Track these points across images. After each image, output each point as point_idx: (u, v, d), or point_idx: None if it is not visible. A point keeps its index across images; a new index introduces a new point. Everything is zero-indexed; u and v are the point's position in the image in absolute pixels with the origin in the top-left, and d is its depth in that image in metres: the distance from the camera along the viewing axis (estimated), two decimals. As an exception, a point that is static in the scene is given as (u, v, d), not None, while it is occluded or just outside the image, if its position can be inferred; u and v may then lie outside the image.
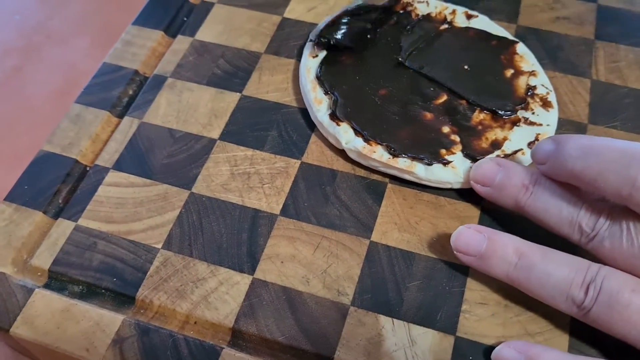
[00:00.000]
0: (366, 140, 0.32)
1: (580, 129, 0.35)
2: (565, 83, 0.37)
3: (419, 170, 0.32)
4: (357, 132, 0.33)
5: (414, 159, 0.32)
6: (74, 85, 0.41)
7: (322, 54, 0.37)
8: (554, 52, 0.38)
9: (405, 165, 0.32)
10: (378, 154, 0.32)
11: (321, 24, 0.37)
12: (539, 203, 0.28)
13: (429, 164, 0.32)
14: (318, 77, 0.35)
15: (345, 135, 0.33)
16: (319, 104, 0.34)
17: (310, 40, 0.37)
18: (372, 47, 0.37)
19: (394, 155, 0.32)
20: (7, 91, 0.43)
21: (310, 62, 0.36)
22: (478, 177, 0.30)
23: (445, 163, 0.32)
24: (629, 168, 0.25)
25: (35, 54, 0.45)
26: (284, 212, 0.32)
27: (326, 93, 0.35)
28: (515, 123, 0.33)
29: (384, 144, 0.32)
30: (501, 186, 0.30)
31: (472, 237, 0.28)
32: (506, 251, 0.27)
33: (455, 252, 0.29)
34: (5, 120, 0.41)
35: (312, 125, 0.35)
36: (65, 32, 0.46)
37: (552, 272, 0.26)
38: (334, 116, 0.34)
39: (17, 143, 0.40)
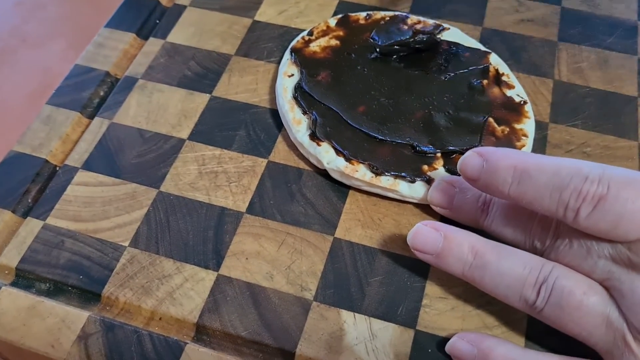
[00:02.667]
0: (348, 160, 0.33)
1: (542, 127, 0.35)
2: (529, 83, 0.38)
3: (402, 188, 0.32)
4: (338, 152, 0.33)
5: (396, 177, 0.32)
6: (49, 87, 0.42)
7: (297, 73, 0.37)
8: (518, 53, 0.39)
9: (388, 184, 0.32)
10: (360, 173, 0.32)
11: (295, 40, 0.38)
12: (494, 226, 0.29)
13: (412, 182, 0.32)
14: (295, 97, 0.35)
15: (327, 155, 0.33)
16: (298, 125, 0.34)
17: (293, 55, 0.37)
18: (347, 64, 0.37)
19: (377, 173, 0.32)
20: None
21: (287, 82, 0.36)
22: (435, 202, 0.31)
23: (427, 180, 0.32)
24: (561, 192, 0.25)
25: (10, 57, 0.45)
26: (250, 209, 0.33)
27: (304, 113, 0.35)
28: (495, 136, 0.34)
29: (366, 162, 0.32)
30: (459, 209, 0.30)
31: (428, 235, 0.28)
32: (462, 250, 0.28)
33: (412, 250, 0.29)
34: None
35: (279, 125, 0.36)
36: (41, 35, 0.47)
37: (506, 271, 0.27)
38: (314, 136, 0.33)
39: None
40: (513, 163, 0.26)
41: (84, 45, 0.42)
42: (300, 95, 0.35)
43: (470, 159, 0.28)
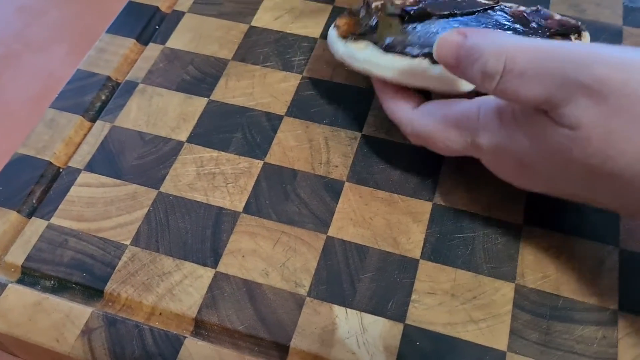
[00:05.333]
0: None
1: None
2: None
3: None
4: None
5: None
6: (52, 91, 0.43)
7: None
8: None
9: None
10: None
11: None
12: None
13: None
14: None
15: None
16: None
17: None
18: None
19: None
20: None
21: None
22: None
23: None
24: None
25: (14, 61, 0.46)
26: (247, 209, 0.34)
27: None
28: None
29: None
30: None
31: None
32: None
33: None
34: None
35: (274, 128, 0.37)
36: (44, 40, 0.48)
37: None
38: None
39: (-5, 147, 0.41)
40: (505, 49, 0.27)
41: (86, 50, 0.44)
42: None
43: (451, 37, 0.29)
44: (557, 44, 0.27)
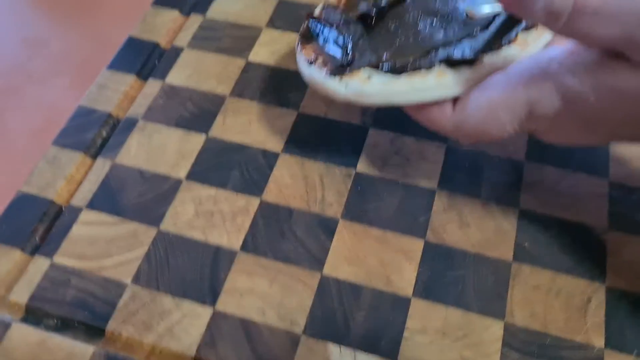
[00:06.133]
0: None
1: (518, 165, 0.38)
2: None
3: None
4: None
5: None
6: (53, 123, 0.44)
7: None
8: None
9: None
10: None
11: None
12: None
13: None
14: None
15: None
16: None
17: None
18: None
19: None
20: (-10, 130, 0.45)
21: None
22: None
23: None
24: None
25: (16, 93, 0.47)
26: (244, 247, 0.35)
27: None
28: None
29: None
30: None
31: None
32: None
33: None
34: (-12, 158, 0.43)
35: (271, 165, 0.38)
36: (46, 72, 0.49)
37: None
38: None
39: (-1, 180, 0.42)
40: None
41: (87, 82, 0.45)
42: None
43: None
44: None
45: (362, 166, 0.38)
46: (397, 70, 0.31)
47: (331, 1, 0.37)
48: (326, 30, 0.35)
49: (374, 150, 0.38)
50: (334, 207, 0.36)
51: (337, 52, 0.33)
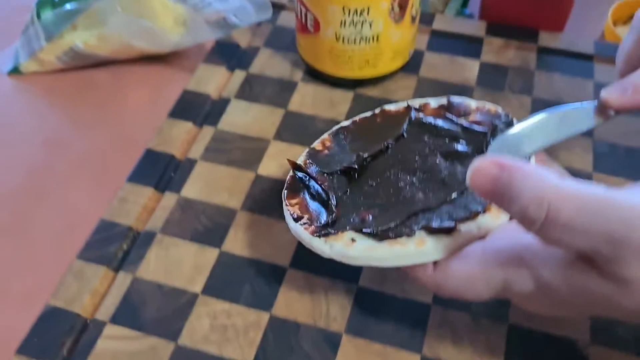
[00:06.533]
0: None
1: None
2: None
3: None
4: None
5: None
6: (76, 227, 0.47)
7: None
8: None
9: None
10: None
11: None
12: None
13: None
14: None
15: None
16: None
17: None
18: None
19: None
20: (14, 234, 0.48)
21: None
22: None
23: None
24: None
25: (39, 195, 0.51)
26: (255, 362, 0.38)
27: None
28: None
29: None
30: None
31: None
32: None
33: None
34: (13, 262, 0.46)
35: (279, 280, 0.41)
36: (68, 174, 0.52)
37: None
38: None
39: (24, 285, 0.45)
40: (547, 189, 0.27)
41: (107, 183, 0.49)
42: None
43: (489, 167, 0.28)
44: (600, 193, 0.27)
45: (364, 281, 0.41)
46: (379, 236, 0.33)
47: (315, 146, 0.41)
48: (311, 183, 0.38)
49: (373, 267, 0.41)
50: (337, 322, 0.39)
51: (321, 210, 0.36)
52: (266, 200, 0.46)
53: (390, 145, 0.39)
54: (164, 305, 0.41)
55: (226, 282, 0.41)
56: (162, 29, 0.56)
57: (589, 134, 0.49)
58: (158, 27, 0.56)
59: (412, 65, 0.55)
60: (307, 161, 0.40)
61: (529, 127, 0.36)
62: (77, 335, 0.40)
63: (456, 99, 0.41)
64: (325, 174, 0.38)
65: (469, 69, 0.55)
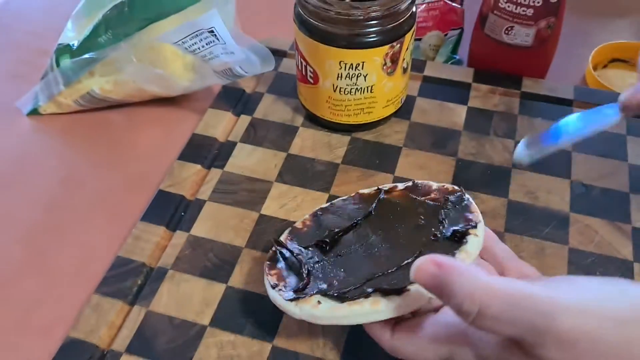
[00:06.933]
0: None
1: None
2: (480, 271, 0.47)
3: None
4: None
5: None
6: (92, 262, 0.51)
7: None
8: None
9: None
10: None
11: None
12: None
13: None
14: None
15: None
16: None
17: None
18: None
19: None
20: (34, 268, 0.52)
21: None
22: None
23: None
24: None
25: (57, 233, 0.55)
26: (259, 390, 0.42)
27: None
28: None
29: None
30: None
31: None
32: None
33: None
34: (33, 296, 0.50)
35: (281, 314, 0.45)
36: (84, 211, 0.56)
37: None
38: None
39: (44, 317, 0.49)
40: (477, 284, 0.32)
41: (121, 221, 0.52)
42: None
43: (427, 265, 0.33)
44: (524, 289, 0.32)
45: (358, 315, 0.45)
46: (340, 298, 0.38)
47: (297, 225, 0.46)
48: (289, 257, 0.43)
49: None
50: (333, 352, 0.43)
51: (294, 280, 0.41)
52: (268, 239, 0.50)
53: (359, 222, 0.44)
54: (175, 336, 0.44)
55: (232, 315, 0.45)
56: (172, 74, 0.61)
57: (567, 175, 0.54)
58: (169, 73, 0.60)
59: (405, 110, 0.59)
60: (288, 237, 0.45)
61: (559, 124, 0.50)
62: (95, 365, 0.44)
63: (420, 182, 0.46)
64: (302, 248, 0.43)
65: (457, 114, 0.59)
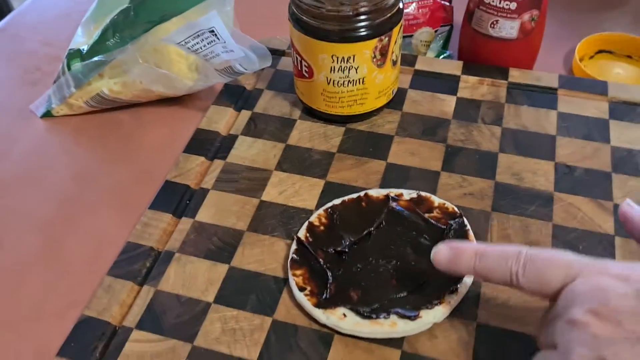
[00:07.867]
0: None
1: (475, 284, 0.47)
2: (468, 248, 0.50)
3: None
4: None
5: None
6: (104, 249, 0.54)
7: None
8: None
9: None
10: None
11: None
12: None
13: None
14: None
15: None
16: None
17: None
18: None
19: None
20: (50, 257, 0.55)
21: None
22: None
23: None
24: (506, 260, 0.38)
25: (71, 224, 0.58)
26: (260, 359, 0.44)
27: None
28: None
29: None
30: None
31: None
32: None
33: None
34: (50, 281, 0.53)
35: (280, 289, 0.48)
36: (96, 204, 0.59)
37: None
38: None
39: (61, 300, 0.52)
40: (473, 248, 0.40)
41: (131, 211, 0.56)
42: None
43: (443, 249, 0.41)
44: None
45: (352, 289, 0.48)
46: (364, 316, 0.44)
47: (313, 222, 0.50)
48: (312, 260, 0.48)
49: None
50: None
51: (318, 285, 0.47)
52: (269, 222, 0.53)
53: (372, 232, 0.49)
54: (182, 312, 0.47)
55: (234, 292, 0.48)
56: (177, 75, 0.64)
57: (551, 157, 0.56)
58: (174, 74, 0.64)
59: (397, 102, 0.62)
60: (307, 235, 0.50)
61: None
62: (107, 340, 0.47)
63: (423, 195, 0.52)
64: (324, 254, 0.48)
65: (447, 104, 0.62)
